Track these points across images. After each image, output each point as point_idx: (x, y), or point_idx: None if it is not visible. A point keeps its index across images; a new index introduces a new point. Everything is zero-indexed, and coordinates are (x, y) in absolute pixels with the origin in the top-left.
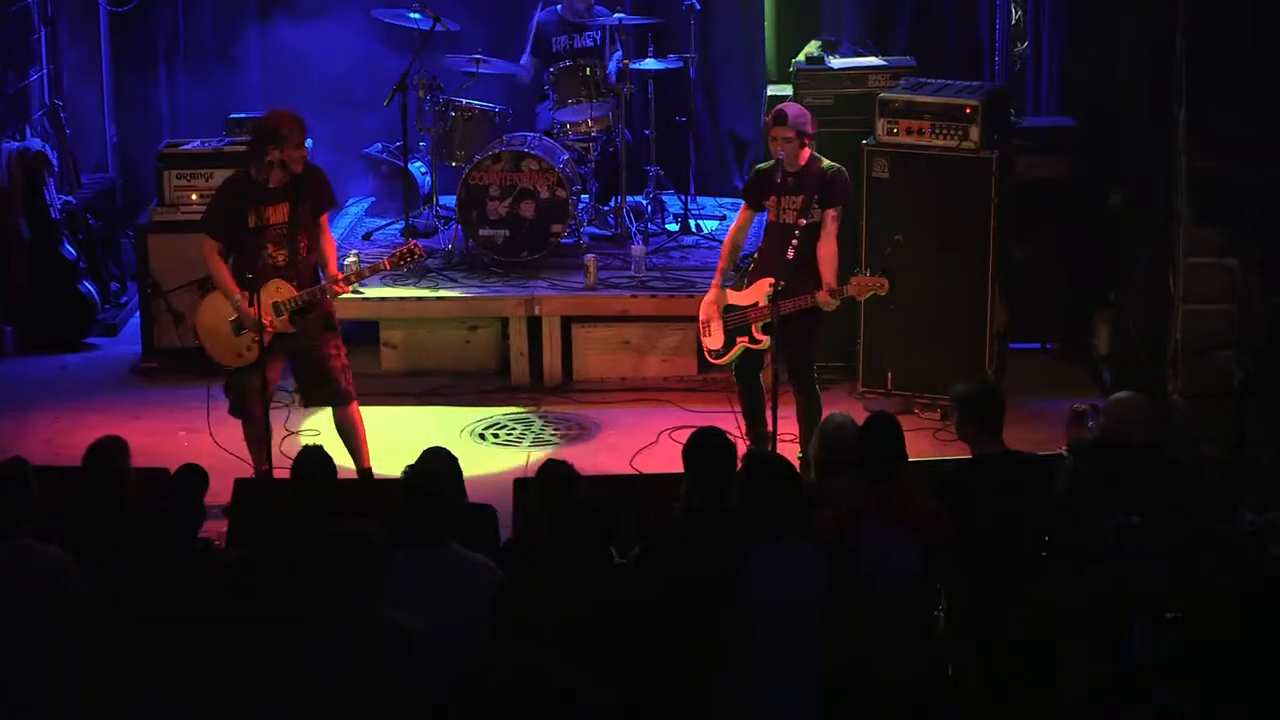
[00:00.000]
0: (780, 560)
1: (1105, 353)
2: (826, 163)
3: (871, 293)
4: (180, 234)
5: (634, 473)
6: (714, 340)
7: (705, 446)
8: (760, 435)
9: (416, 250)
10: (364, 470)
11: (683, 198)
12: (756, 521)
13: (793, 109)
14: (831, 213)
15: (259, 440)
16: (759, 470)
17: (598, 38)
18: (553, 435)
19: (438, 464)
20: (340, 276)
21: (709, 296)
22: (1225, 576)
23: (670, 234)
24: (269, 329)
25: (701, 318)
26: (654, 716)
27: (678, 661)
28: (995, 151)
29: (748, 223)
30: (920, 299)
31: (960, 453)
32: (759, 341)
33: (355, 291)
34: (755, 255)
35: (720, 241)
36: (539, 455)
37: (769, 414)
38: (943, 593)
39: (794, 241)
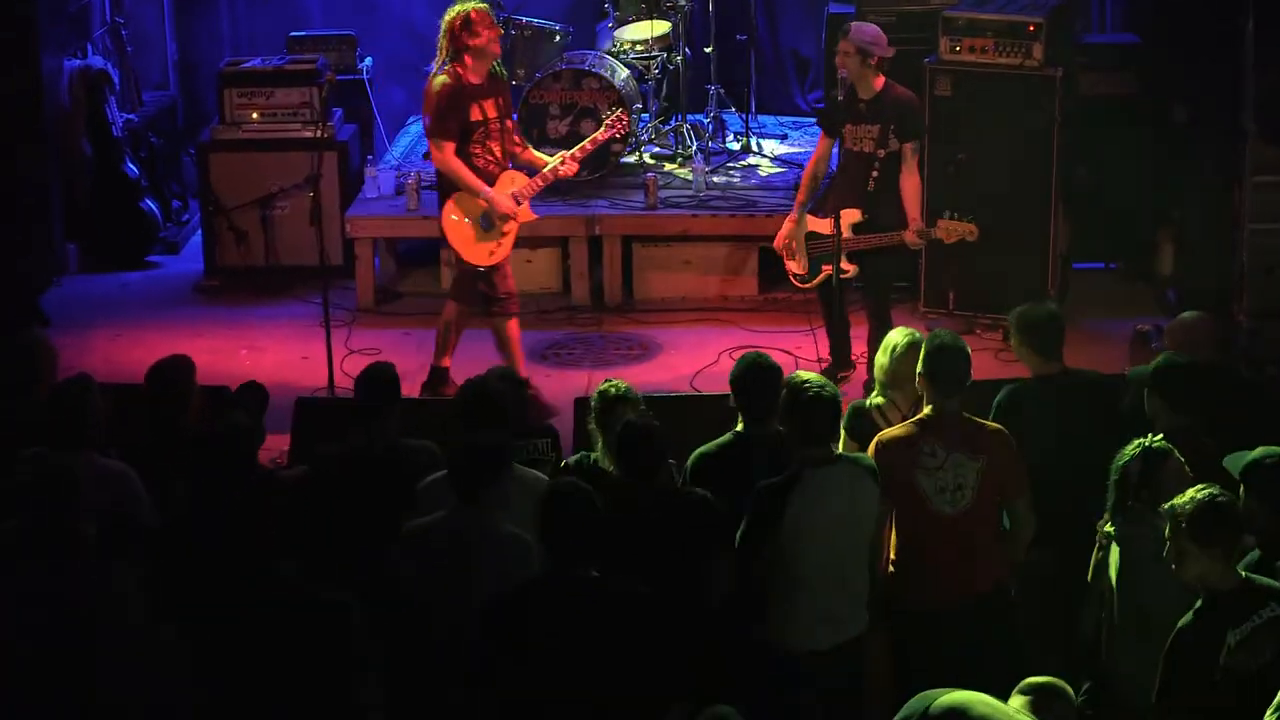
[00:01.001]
0: (826, 482)
1: (1169, 272)
2: (902, 91)
3: (960, 238)
4: (241, 152)
5: (695, 392)
6: (799, 266)
7: (751, 370)
8: (843, 357)
9: (624, 118)
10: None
11: (743, 116)
12: (799, 444)
13: (859, 26)
14: (910, 145)
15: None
16: (799, 394)
17: None
18: (614, 355)
19: (498, 383)
20: (557, 159)
21: (788, 225)
22: None
23: (731, 153)
24: (515, 219)
25: (780, 243)
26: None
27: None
28: (1059, 69)
29: (827, 152)
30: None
31: (1022, 373)
32: (845, 271)
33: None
34: (834, 181)
35: (786, 165)
36: (600, 375)
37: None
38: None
39: (874, 173)
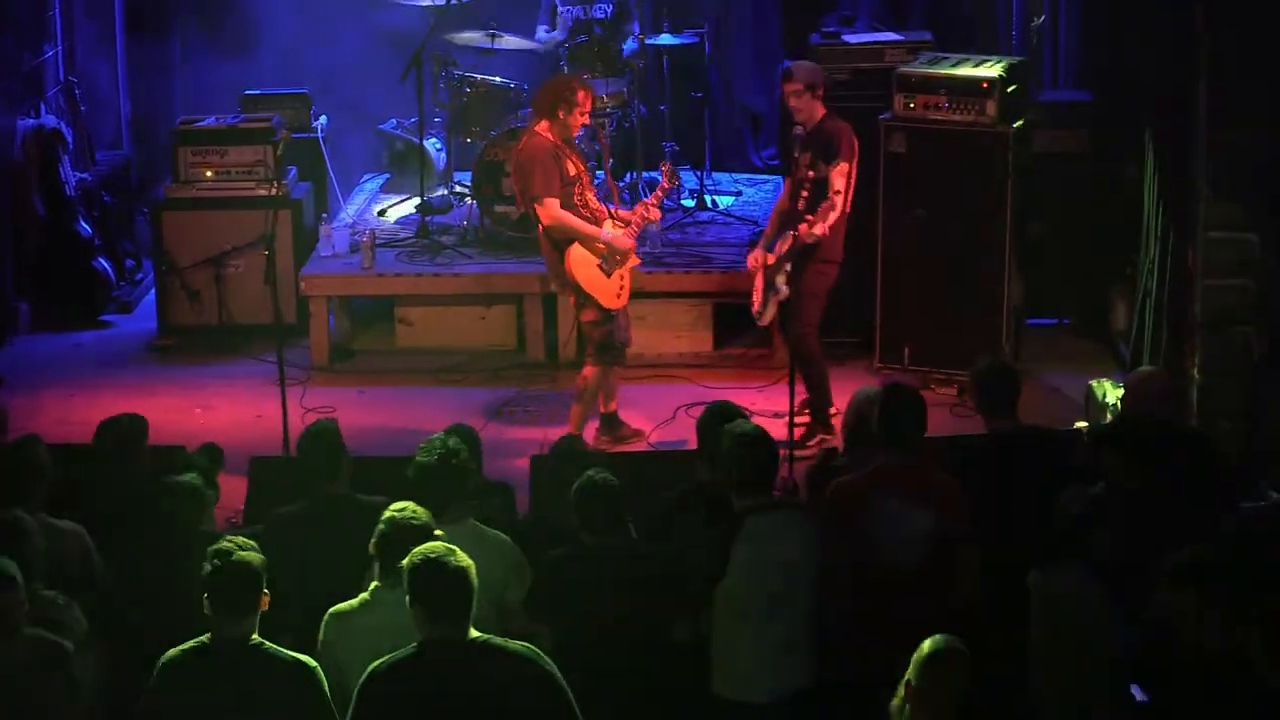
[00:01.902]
0: (768, 529)
1: (1122, 328)
2: (837, 121)
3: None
4: (195, 210)
5: (651, 449)
6: (757, 301)
7: (715, 419)
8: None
9: (673, 175)
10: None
11: (698, 173)
12: (742, 491)
13: (799, 64)
14: (835, 169)
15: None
16: (738, 442)
17: (609, 10)
18: (569, 412)
19: (453, 440)
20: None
21: (755, 255)
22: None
23: (686, 210)
24: (632, 257)
25: (750, 266)
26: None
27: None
28: (1012, 126)
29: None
30: (937, 274)
31: (977, 429)
32: (780, 292)
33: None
34: None
35: (741, 221)
36: (555, 432)
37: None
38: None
39: (803, 193)
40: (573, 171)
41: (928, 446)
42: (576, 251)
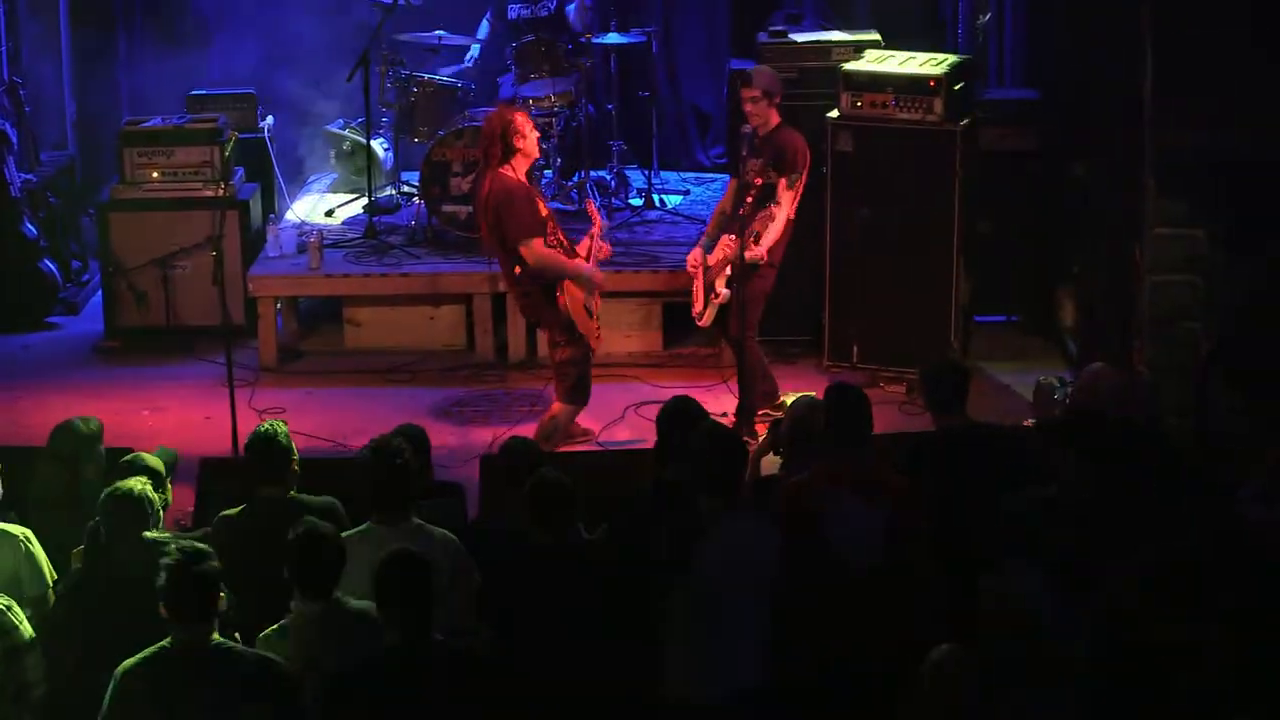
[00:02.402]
0: (732, 533)
1: (1070, 325)
2: (791, 131)
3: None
4: (141, 212)
5: (600, 448)
6: (697, 303)
7: (675, 414)
8: (753, 401)
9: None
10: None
11: (646, 172)
12: (708, 493)
13: (759, 70)
14: (784, 180)
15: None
16: (708, 442)
17: (553, 6)
18: (519, 411)
19: (400, 439)
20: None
21: (694, 255)
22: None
23: (634, 209)
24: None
25: (689, 268)
26: (607, 684)
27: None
28: (959, 124)
29: (734, 192)
30: (885, 272)
31: (926, 427)
32: (719, 295)
33: None
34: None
35: (689, 220)
36: (505, 432)
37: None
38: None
39: (747, 199)
40: (545, 212)
41: (876, 445)
42: (571, 291)
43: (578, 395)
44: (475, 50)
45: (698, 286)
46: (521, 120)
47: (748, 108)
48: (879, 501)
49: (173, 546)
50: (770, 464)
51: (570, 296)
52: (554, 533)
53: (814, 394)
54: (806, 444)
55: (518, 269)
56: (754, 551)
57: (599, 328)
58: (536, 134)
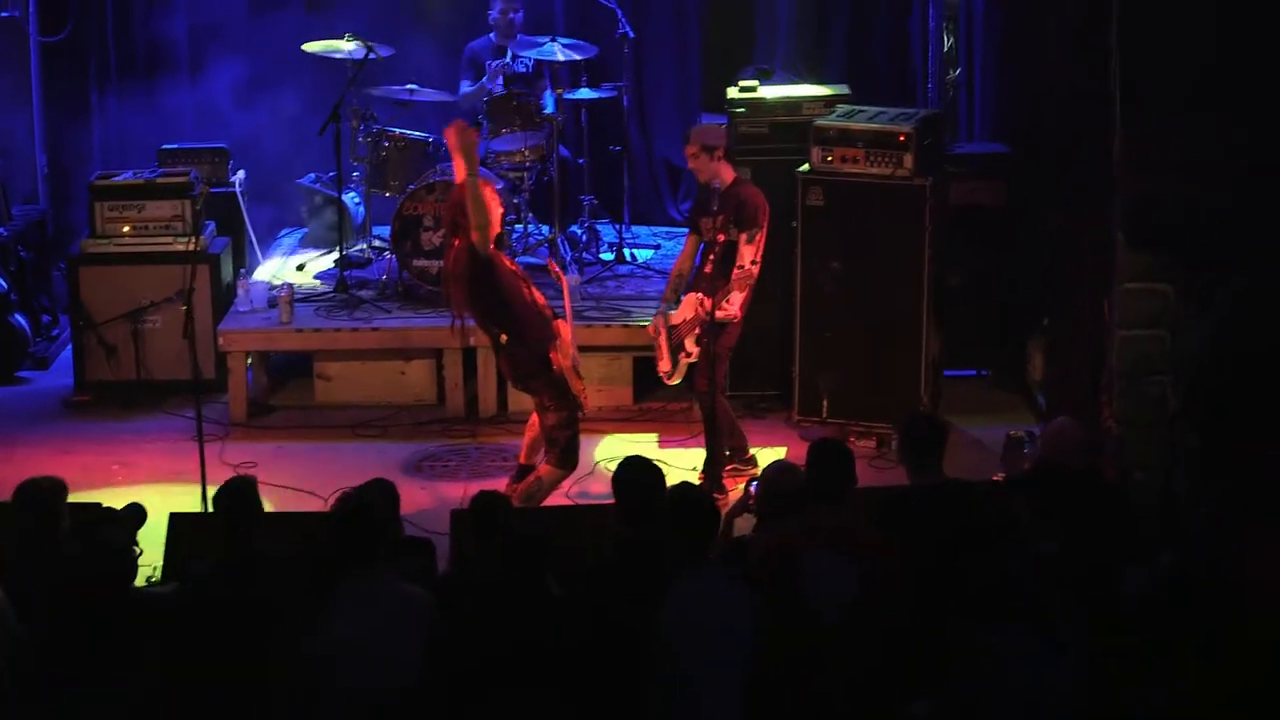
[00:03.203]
0: (702, 592)
1: (1040, 379)
2: (748, 186)
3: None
4: (112, 265)
5: (570, 503)
6: (665, 363)
7: (633, 475)
8: (721, 455)
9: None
10: None
11: (617, 227)
12: (678, 553)
13: (698, 127)
14: (744, 235)
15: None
16: (680, 503)
17: (530, 64)
18: (489, 466)
19: (370, 494)
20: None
21: (655, 322)
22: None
23: (605, 263)
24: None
25: (650, 334)
26: None
27: (605, 693)
28: (929, 178)
29: (693, 250)
30: (855, 326)
31: (896, 481)
32: (690, 354)
33: None
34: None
35: (660, 274)
36: (476, 487)
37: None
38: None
39: (711, 257)
40: (514, 268)
41: (856, 501)
42: (561, 352)
43: (567, 460)
44: (465, 86)
45: (661, 345)
46: (489, 195)
47: (690, 164)
48: (856, 557)
49: None
50: (744, 525)
51: (563, 357)
52: (527, 585)
53: (785, 455)
54: (780, 503)
55: (504, 337)
56: (726, 618)
57: (585, 388)
58: (501, 210)
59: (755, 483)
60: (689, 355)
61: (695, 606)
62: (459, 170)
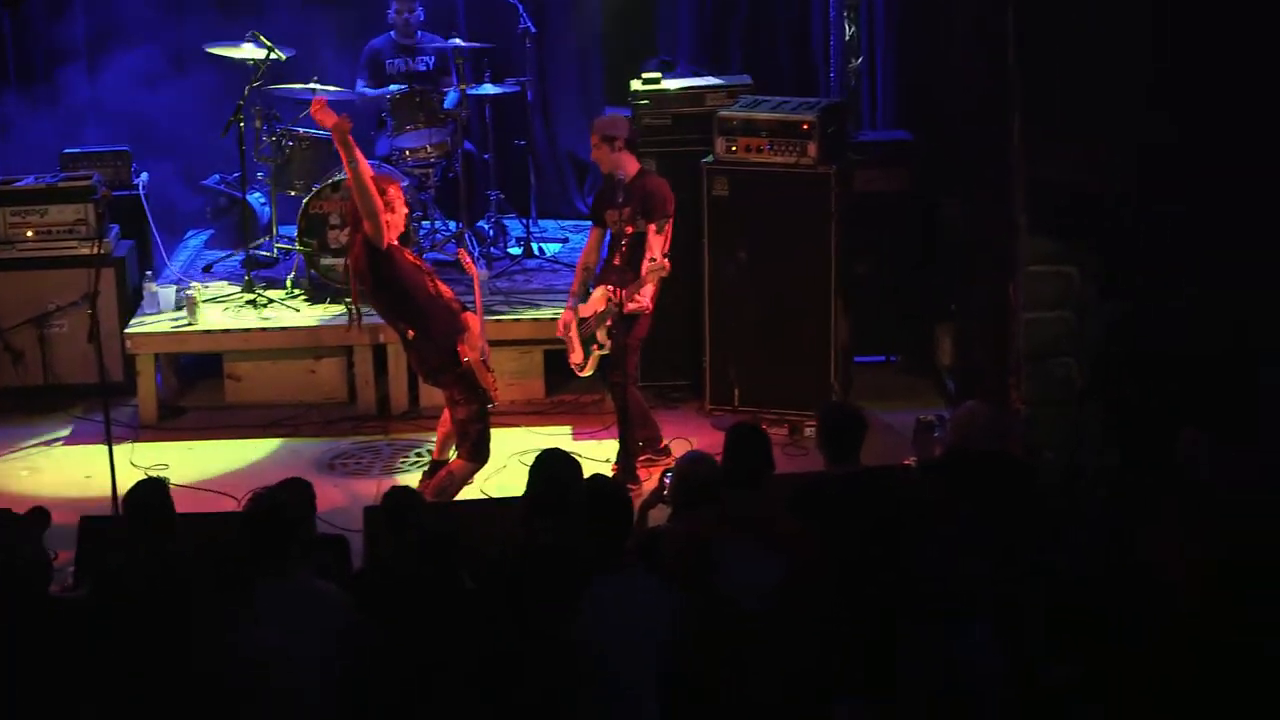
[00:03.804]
0: (619, 590)
1: (948, 363)
2: (653, 178)
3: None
4: (16, 271)
5: (484, 497)
6: (576, 355)
7: (549, 468)
8: (634, 446)
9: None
10: None
11: (524, 221)
12: (593, 546)
13: (600, 119)
14: (653, 226)
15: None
16: (594, 495)
17: (431, 62)
18: (402, 463)
19: (284, 494)
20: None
21: (564, 317)
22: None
23: (513, 258)
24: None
25: (561, 335)
26: None
27: (522, 690)
28: (833, 166)
29: (597, 243)
30: (764, 315)
31: (810, 468)
32: (603, 346)
33: None
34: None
35: (568, 267)
36: (389, 484)
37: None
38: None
39: (621, 248)
40: (415, 261)
41: (774, 488)
42: (470, 346)
43: (479, 454)
44: (360, 85)
45: (572, 338)
46: (393, 193)
47: (593, 155)
48: (773, 545)
49: None
50: (658, 516)
51: (470, 351)
52: (441, 580)
53: (696, 449)
54: (695, 493)
55: (410, 332)
56: (643, 615)
57: (495, 380)
58: (406, 208)
59: (670, 473)
60: (601, 348)
61: (612, 604)
62: (344, 159)
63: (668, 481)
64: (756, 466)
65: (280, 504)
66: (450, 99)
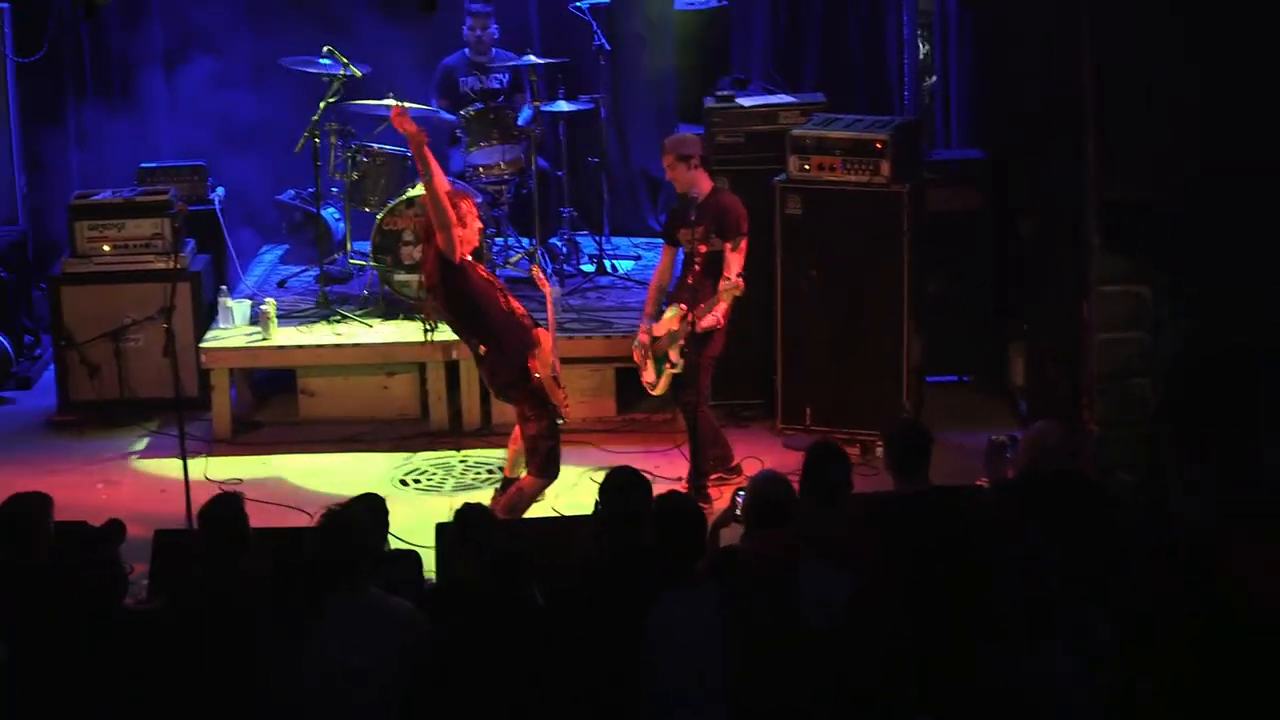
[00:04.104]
0: (689, 608)
1: (1021, 383)
2: (727, 196)
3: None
4: (93, 285)
5: (556, 515)
6: (649, 374)
7: (619, 485)
8: (705, 465)
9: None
10: None
11: (597, 238)
12: (664, 564)
13: (672, 138)
14: (729, 245)
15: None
16: (666, 512)
17: (505, 79)
18: (474, 479)
19: (356, 509)
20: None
21: (639, 337)
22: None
23: (585, 275)
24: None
25: (636, 357)
26: None
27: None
28: (907, 185)
29: (670, 261)
30: (836, 334)
31: (880, 488)
32: (676, 365)
33: None
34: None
35: (640, 285)
36: (461, 500)
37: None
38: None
39: (695, 268)
40: (488, 277)
41: (853, 505)
42: (540, 362)
43: (548, 469)
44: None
45: (646, 357)
46: (466, 208)
47: (667, 175)
48: (846, 563)
49: None
50: (730, 535)
51: (541, 367)
52: (508, 597)
53: (772, 469)
54: (768, 513)
55: (482, 348)
56: (706, 632)
57: (567, 397)
58: (479, 224)
59: (742, 492)
60: (674, 366)
61: (680, 621)
62: (419, 168)
63: (740, 500)
64: (835, 485)
65: (352, 519)
66: (524, 116)
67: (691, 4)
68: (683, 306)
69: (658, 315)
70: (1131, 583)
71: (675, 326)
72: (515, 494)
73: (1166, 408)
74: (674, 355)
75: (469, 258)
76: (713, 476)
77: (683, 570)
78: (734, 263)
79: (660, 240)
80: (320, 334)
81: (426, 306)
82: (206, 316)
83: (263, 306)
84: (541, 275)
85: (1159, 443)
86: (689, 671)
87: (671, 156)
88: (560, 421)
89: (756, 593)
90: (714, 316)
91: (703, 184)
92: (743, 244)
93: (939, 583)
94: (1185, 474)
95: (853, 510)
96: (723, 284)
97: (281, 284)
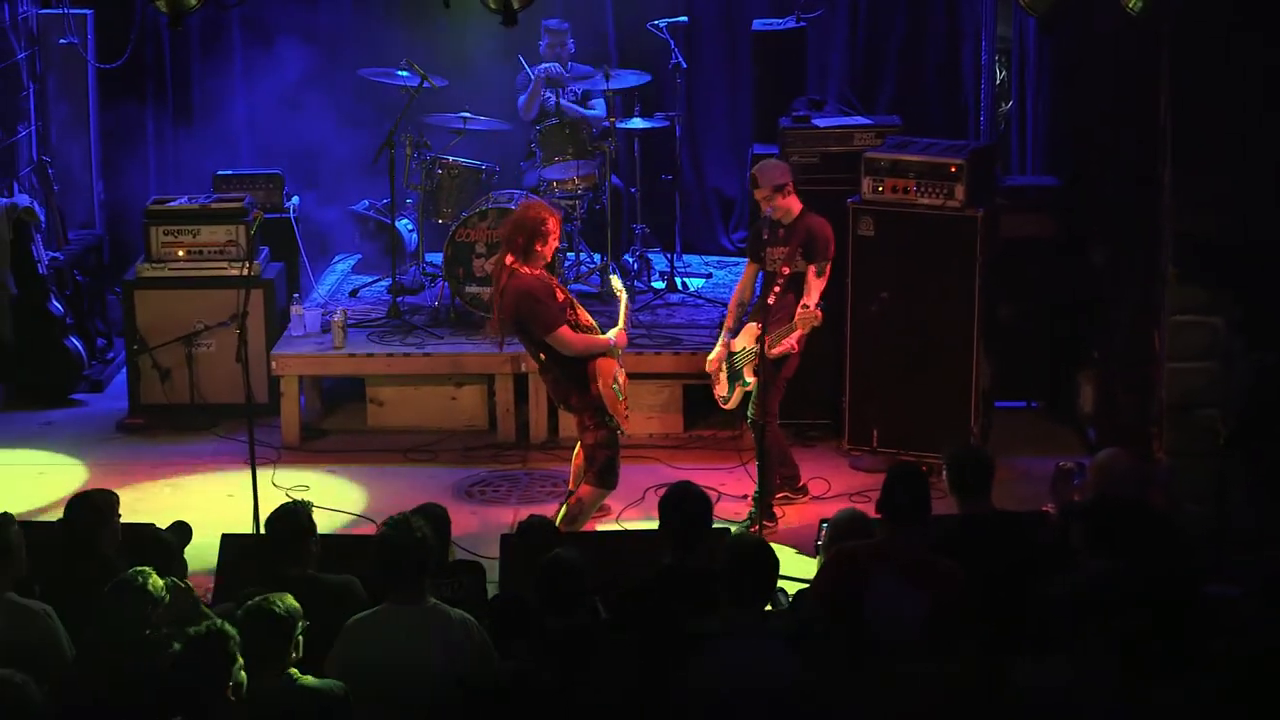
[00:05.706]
0: (748, 651)
1: (1090, 411)
2: (815, 218)
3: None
4: (167, 290)
5: (619, 528)
6: (721, 388)
7: (680, 501)
8: (772, 484)
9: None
10: None
11: (669, 255)
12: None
13: (762, 168)
14: (813, 267)
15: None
16: (737, 556)
17: (579, 92)
18: (539, 492)
19: (418, 519)
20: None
21: (715, 351)
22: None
23: (656, 292)
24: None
25: (710, 370)
26: None
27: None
28: (980, 210)
29: (752, 278)
30: (905, 356)
31: (946, 510)
32: (749, 383)
33: None
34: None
35: (711, 303)
36: (525, 512)
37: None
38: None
39: (775, 288)
40: (562, 297)
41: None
42: (601, 373)
43: (607, 479)
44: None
45: (721, 376)
46: (553, 225)
47: (765, 209)
48: (925, 585)
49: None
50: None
51: (601, 377)
52: (561, 612)
53: (852, 508)
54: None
55: (543, 355)
56: (763, 673)
57: (628, 409)
58: (558, 244)
59: (825, 523)
60: (746, 384)
61: (738, 659)
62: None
63: (823, 531)
64: (912, 504)
65: (414, 529)
66: (600, 131)
67: (769, 25)
68: (759, 326)
69: (736, 330)
70: (1197, 612)
71: (751, 344)
72: (575, 505)
73: (1236, 439)
74: (748, 373)
75: (541, 275)
76: (779, 496)
77: (747, 614)
78: (815, 288)
79: (730, 259)
80: (390, 344)
81: (495, 318)
82: (278, 323)
83: (334, 315)
84: (620, 286)
85: (1227, 474)
86: (738, 707)
87: (767, 189)
88: (621, 433)
89: (830, 599)
90: (788, 343)
91: (795, 207)
92: (827, 269)
93: (995, 605)
94: (1250, 506)
95: (930, 531)
96: (800, 311)
97: (353, 293)
